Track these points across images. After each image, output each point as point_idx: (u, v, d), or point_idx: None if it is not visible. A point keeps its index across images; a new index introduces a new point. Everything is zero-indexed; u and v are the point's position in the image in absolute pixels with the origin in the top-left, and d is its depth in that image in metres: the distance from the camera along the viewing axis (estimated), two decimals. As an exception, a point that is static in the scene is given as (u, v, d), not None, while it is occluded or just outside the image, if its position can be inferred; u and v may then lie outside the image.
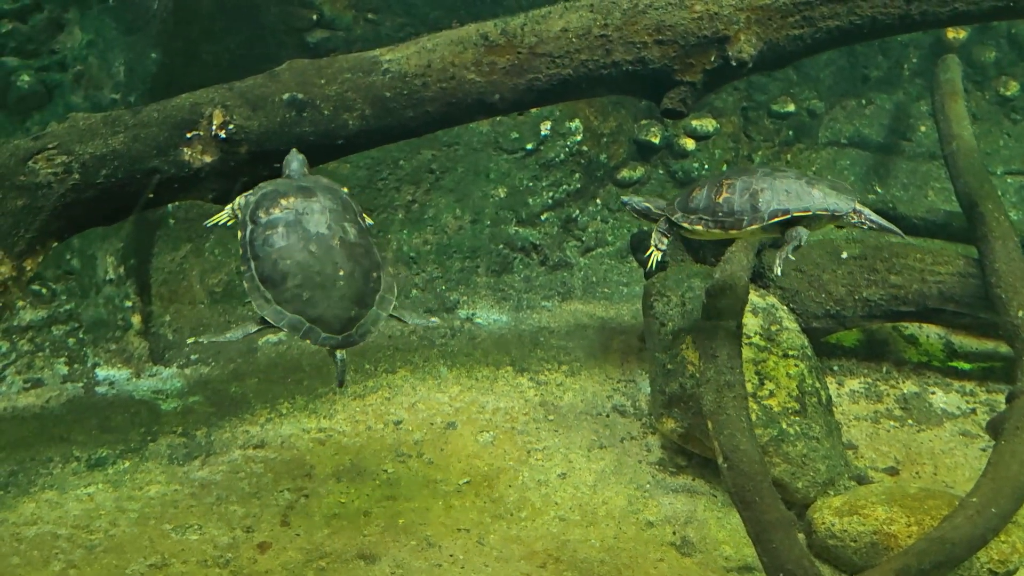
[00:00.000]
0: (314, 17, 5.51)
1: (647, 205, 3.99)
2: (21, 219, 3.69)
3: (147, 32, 5.02)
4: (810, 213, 3.73)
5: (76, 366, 5.01)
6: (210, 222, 3.66)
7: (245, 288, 3.43)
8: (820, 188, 3.77)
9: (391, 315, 3.59)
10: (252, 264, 3.40)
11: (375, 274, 3.49)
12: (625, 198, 4.07)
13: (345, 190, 3.66)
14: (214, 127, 3.79)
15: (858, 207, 3.77)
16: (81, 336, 5.09)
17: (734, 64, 3.95)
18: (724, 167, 6.48)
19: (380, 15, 5.64)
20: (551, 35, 4.00)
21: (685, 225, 3.81)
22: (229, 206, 3.63)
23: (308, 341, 3.44)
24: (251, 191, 3.60)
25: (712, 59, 3.98)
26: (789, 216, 3.70)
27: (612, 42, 3.98)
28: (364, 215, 3.64)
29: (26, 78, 4.93)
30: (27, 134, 4.89)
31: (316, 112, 3.91)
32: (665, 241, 3.93)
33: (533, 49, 3.99)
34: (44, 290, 5.06)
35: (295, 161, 3.74)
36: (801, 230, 3.77)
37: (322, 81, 3.95)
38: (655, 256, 3.92)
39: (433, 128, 4.13)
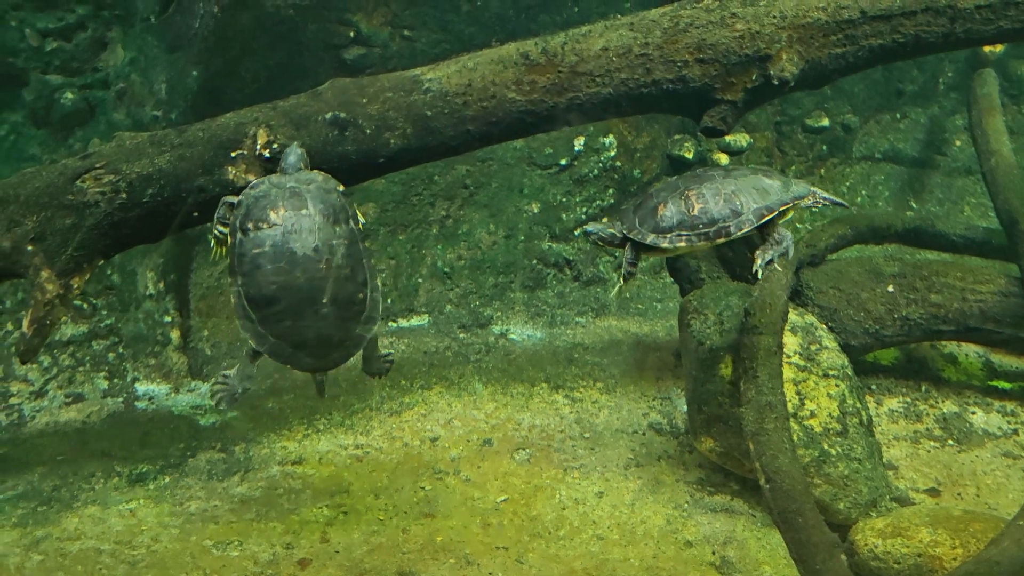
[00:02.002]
0: (351, 34, 5.55)
1: (611, 232, 3.93)
2: (69, 238, 3.74)
3: (189, 50, 5.07)
4: (789, 206, 3.80)
5: (116, 381, 5.06)
6: (212, 256, 3.70)
7: (232, 302, 3.47)
8: (776, 179, 3.86)
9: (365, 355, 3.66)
10: (239, 280, 3.44)
11: (360, 295, 3.52)
12: (589, 227, 3.99)
13: (340, 188, 3.65)
14: (258, 146, 3.82)
15: (812, 188, 3.88)
16: (121, 351, 5.14)
17: (776, 83, 3.95)
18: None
19: (416, 32, 5.67)
20: (591, 54, 4.01)
21: (666, 245, 3.78)
22: (217, 212, 3.64)
23: (289, 366, 3.51)
24: (244, 190, 3.60)
25: (753, 77, 3.97)
26: (775, 213, 3.76)
27: (653, 61, 3.99)
28: (358, 214, 3.64)
29: (70, 96, 5.00)
30: (70, 151, 4.98)
31: (358, 131, 3.94)
32: (634, 269, 3.91)
33: (574, 68, 4.00)
34: (85, 305, 5.12)
35: (292, 155, 3.72)
36: (784, 232, 3.83)
37: (364, 100, 3.98)
38: (624, 287, 3.91)
39: (474, 146, 4.15)
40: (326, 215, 3.47)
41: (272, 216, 3.42)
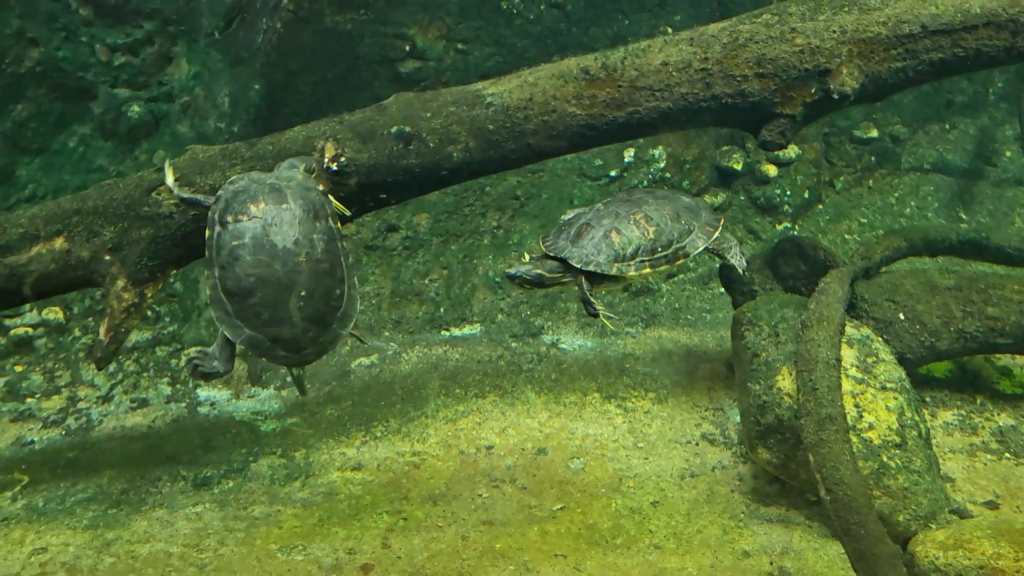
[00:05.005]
0: (407, 48, 5.64)
1: (538, 272, 3.87)
2: (145, 248, 3.85)
3: (251, 65, 5.19)
4: (723, 218, 4.16)
5: (179, 387, 5.17)
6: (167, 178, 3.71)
7: (208, 295, 3.48)
8: (686, 196, 4.19)
9: (351, 334, 3.67)
10: (217, 272, 3.44)
11: (338, 291, 3.55)
12: (511, 270, 3.88)
13: (321, 187, 3.69)
14: (326, 159, 3.91)
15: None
16: (183, 357, 5.26)
17: (835, 97, 3.98)
18: (806, 194, 6.47)
19: (470, 45, 5.75)
20: (651, 69, 4.07)
21: (632, 273, 3.80)
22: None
23: (265, 359, 3.54)
24: (224, 184, 3.62)
25: (813, 92, 4.01)
26: (719, 228, 4.05)
27: (712, 75, 4.04)
28: (338, 207, 3.66)
29: (136, 108, 5.14)
30: (136, 162, 5.12)
31: (422, 144, 4.02)
32: (600, 301, 3.90)
33: (633, 83, 4.06)
34: (149, 312, 5.25)
35: None
36: (725, 235, 4.16)
37: (428, 114, 4.06)
38: (605, 315, 3.91)
39: (534, 160, 4.22)
40: (306, 210, 3.50)
41: (252, 209, 3.45)
